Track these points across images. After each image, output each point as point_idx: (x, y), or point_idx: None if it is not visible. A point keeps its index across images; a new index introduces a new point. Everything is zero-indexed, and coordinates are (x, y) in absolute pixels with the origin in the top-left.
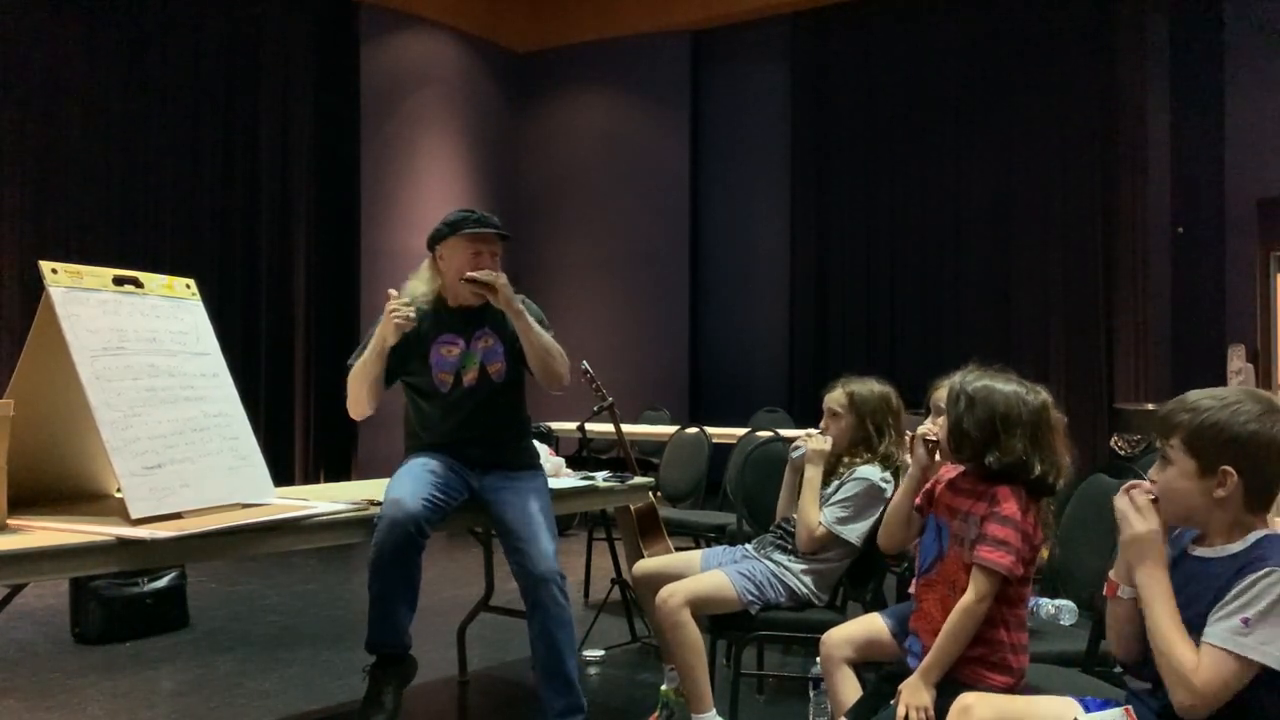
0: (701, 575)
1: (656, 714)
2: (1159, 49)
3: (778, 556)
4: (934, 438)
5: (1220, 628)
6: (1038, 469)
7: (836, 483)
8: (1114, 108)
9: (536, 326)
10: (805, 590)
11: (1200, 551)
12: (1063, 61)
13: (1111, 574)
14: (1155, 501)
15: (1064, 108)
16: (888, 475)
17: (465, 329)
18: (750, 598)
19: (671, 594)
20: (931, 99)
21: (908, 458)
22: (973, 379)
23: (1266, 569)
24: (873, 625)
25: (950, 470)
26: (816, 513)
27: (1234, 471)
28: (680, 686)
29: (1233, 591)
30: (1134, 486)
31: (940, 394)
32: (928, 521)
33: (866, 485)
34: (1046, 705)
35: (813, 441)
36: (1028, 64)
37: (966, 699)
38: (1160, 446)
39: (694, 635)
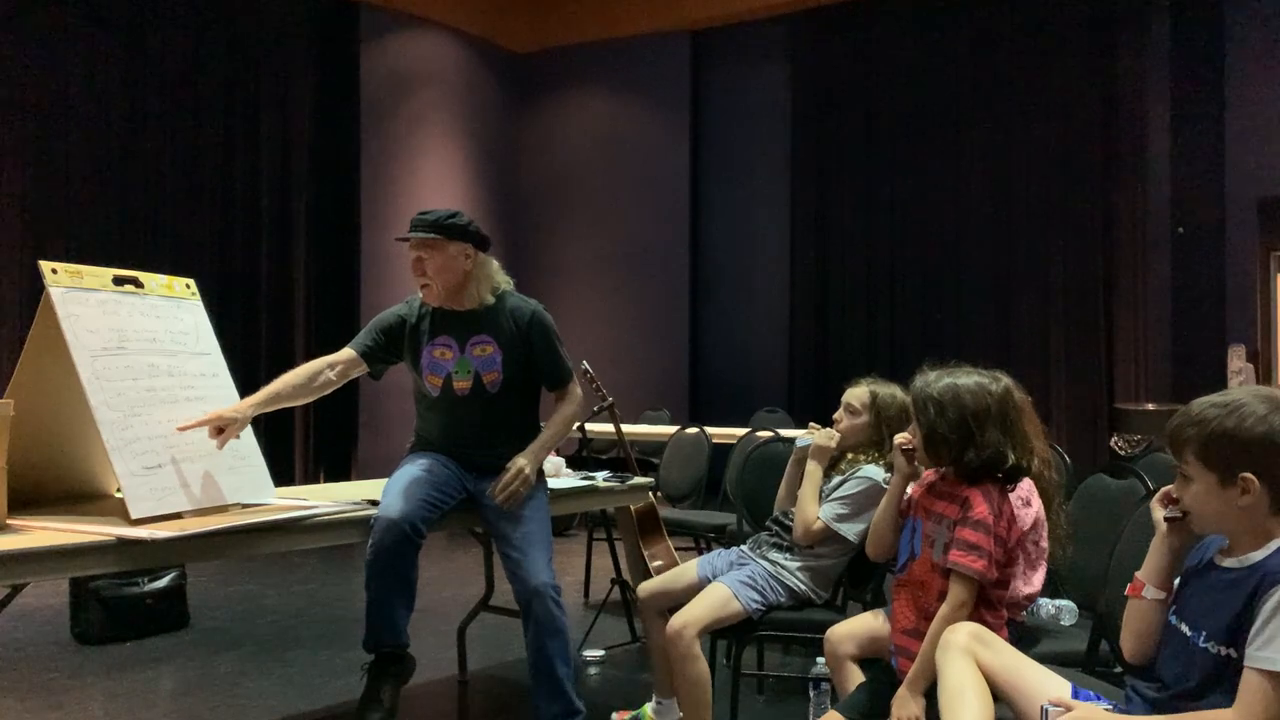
0: (710, 596)
1: (626, 716)
2: (1159, 49)
3: (774, 555)
4: (910, 446)
5: (1270, 652)
6: (1013, 457)
7: (839, 479)
8: (1114, 108)
9: (549, 438)
10: (803, 588)
11: (1226, 562)
12: (1063, 61)
13: (1139, 574)
14: (1186, 516)
15: (1064, 108)
16: (890, 477)
17: (461, 333)
18: (755, 605)
19: (685, 625)
20: (931, 99)
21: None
22: (933, 381)
23: None
24: (875, 621)
25: (931, 473)
26: (815, 507)
27: (1254, 477)
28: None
29: (1262, 615)
30: (1166, 496)
31: (856, 392)
32: (905, 522)
33: (869, 485)
34: (1041, 671)
35: (819, 436)
36: (1028, 64)
37: (955, 625)
38: (1177, 465)
39: (704, 670)
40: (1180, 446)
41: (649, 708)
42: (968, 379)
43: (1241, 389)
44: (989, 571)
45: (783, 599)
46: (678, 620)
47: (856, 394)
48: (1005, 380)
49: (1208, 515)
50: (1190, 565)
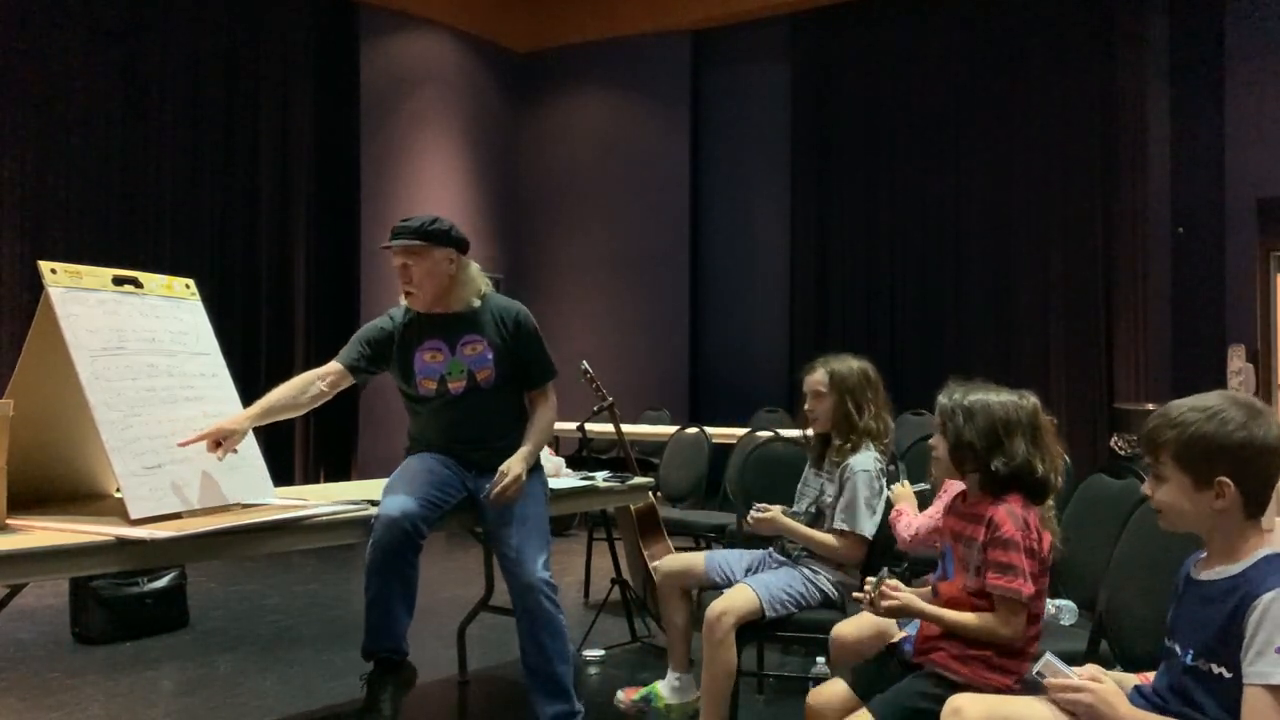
0: (748, 592)
1: (635, 694)
2: (1159, 49)
3: (808, 562)
4: (869, 594)
5: (1262, 666)
6: (1040, 469)
7: (834, 487)
8: (1114, 108)
9: (536, 444)
10: (836, 593)
11: (1203, 575)
12: (1063, 62)
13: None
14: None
15: (1064, 108)
16: (878, 457)
17: (449, 335)
18: (788, 611)
19: (725, 613)
20: (932, 99)
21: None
22: (962, 394)
23: (1275, 592)
24: (881, 621)
25: (951, 490)
26: (823, 534)
27: (1230, 482)
28: (687, 700)
29: (1249, 630)
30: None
31: (816, 376)
32: (939, 548)
33: (866, 479)
34: (1039, 707)
35: (763, 517)
36: (1028, 64)
37: (957, 700)
38: (1150, 463)
39: (733, 659)
40: (1157, 448)
41: (660, 685)
42: (997, 394)
43: (1217, 394)
44: (1026, 588)
45: (816, 603)
46: (718, 607)
47: (817, 378)
48: (1033, 399)
49: (1177, 513)
50: (1176, 584)
